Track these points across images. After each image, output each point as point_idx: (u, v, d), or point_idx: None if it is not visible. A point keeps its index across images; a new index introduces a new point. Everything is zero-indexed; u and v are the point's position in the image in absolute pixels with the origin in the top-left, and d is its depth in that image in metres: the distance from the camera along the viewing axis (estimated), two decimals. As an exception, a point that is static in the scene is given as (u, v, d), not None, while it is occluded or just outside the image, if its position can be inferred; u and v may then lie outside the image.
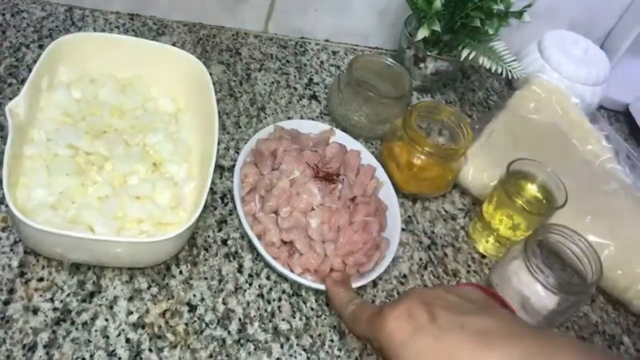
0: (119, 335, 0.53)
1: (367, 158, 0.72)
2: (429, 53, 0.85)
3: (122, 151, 0.61)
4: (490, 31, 0.80)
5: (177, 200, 0.60)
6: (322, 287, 0.59)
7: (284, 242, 0.60)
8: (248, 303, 0.59)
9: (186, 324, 0.55)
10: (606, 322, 0.70)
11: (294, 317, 0.59)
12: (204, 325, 0.56)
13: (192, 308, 0.56)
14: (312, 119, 0.79)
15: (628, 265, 0.70)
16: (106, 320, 0.53)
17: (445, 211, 0.75)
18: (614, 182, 0.78)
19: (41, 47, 0.74)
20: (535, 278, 0.60)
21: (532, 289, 0.61)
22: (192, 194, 0.61)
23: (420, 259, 0.69)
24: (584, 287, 0.61)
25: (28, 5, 0.79)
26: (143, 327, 0.54)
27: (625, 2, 0.99)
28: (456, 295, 0.46)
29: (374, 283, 0.64)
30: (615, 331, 0.69)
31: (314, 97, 0.83)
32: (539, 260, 0.60)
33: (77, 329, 0.52)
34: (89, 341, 0.52)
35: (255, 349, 0.56)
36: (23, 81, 0.66)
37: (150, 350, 0.53)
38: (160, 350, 0.53)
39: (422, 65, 0.87)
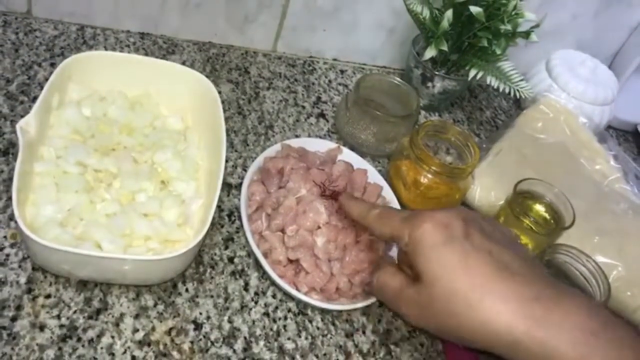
0: (124, 352, 0.53)
1: (374, 177, 0.72)
2: (436, 72, 0.85)
3: (131, 168, 0.62)
4: (498, 51, 0.81)
5: (184, 217, 0.60)
6: (328, 306, 0.59)
7: (290, 261, 0.60)
8: (254, 322, 0.58)
9: (192, 342, 0.55)
10: (615, 344, 0.69)
11: (300, 337, 0.59)
12: (209, 343, 0.56)
13: (198, 326, 0.56)
14: (320, 137, 0.80)
15: (637, 287, 0.69)
16: (112, 337, 0.53)
17: (453, 230, 0.75)
18: (623, 202, 0.77)
19: (53, 65, 0.75)
20: (543, 299, 0.60)
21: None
22: (199, 211, 0.61)
23: (427, 279, 0.68)
24: (592, 309, 0.61)
25: (41, 24, 0.80)
26: (149, 344, 0.54)
27: (633, 22, 0.99)
28: (491, 225, 0.48)
29: (380, 302, 0.64)
30: (624, 353, 0.68)
31: (321, 115, 0.84)
32: (547, 281, 0.60)
33: (83, 346, 0.52)
34: (95, 359, 0.52)
35: (260, 368, 0.56)
36: (34, 99, 0.67)
37: (155, 368, 0.53)
38: (166, 368, 0.53)
39: (429, 84, 0.87)
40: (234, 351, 0.56)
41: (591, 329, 0.40)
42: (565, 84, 0.90)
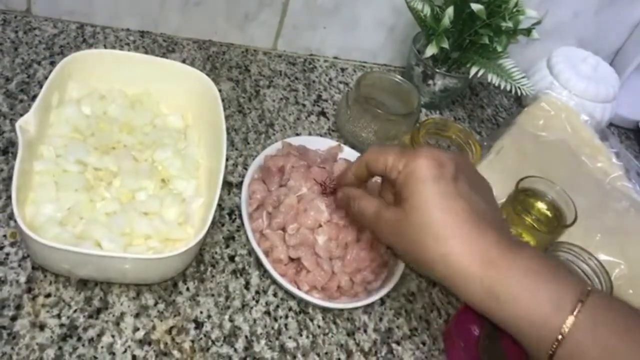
0: (125, 352, 0.53)
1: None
2: (437, 70, 0.85)
3: (131, 167, 0.61)
4: (499, 48, 0.81)
5: (184, 216, 0.60)
6: (329, 305, 0.59)
7: (291, 259, 0.60)
8: (255, 320, 0.58)
9: (192, 341, 0.55)
10: (617, 342, 0.69)
11: (301, 335, 0.59)
12: (210, 342, 0.55)
13: (199, 325, 0.56)
14: (321, 136, 0.79)
15: (639, 285, 0.69)
16: (112, 336, 0.53)
17: (454, 228, 0.74)
18: (625, 199, 0.77)
19: (52, 63, 0.75)
20: (545, 297, 0.60)
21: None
22: (199, 210, 0.61)
23: (429, 277, 0.68)
24: (594, 307, 0.61)
25: (40, 23, 0.80)
26: (149, 344, 0.54)
27: (634, 19, 0.99)
28: (477, 175, 0.53)
29: (382, 301, 0.64)
30: (626, 351, 0.68)
31: (322, 113, 0.83)
32: (549, 279, 0.60)
33: (83, 345, 0.52)
34: (95, 358, 0.51)
35: (261, 367, 0.55)
36: (34, 97, 0.67)
37: (156, 367, 0.53)
38: (166, 367, 0.53)
39: (430, 82, 0.87)
40: (235, 350, 0.56)
41: (539, 272, 0.44)
42: (566, 82, 0.89)
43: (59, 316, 0.53)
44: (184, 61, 0.82)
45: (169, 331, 0.55)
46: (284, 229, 0.61)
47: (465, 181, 0.49)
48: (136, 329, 0.54)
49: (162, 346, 0.54)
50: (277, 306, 0.60)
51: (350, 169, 0.57)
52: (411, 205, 0.47)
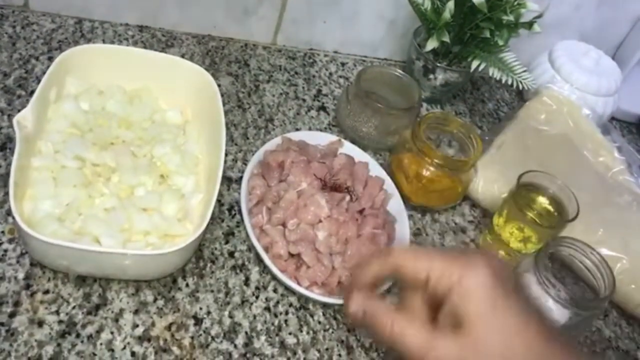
0: (124, 348, 0.52)
1: (376, 170, 0.71)
2: (438, 64, 0.84)
3: (130, 163, 0.61)
4: (500, 42, 0.80)
5: (183, 212, 0.60)
6: (329, 300, 0.58)
7: (291, 255, 0.60)
8: (255, 316, 0.58)
9: (192, 338, 0.55)
10: (620, 337, 0.69)
11: (301, 331, 0.58)
12: (209, 338, 0.55)
13: (198, 321, 0.56)
14: (321, 130, 0.79)
15: (642, 279, 0.69)
16: (111, 333, 0.53)
17: (455, 223, 0.74)
18: (627, 194, 0.76)
19: (50, 59, 0.74)
20: (547, 292, 0.59)
21: (543, 303, 0.60)
22: (199, 206, 0.61)
23: (430, 272, 0.68)
24: (596, 302, 0.60)
25: (38, 18, 0.79)
26: (149, 340, 0.53)
27: (636, 13, 0.98)
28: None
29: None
30: (629, 347, 0.68)
31: (322, 108, 0.83)
32: (550, 274, 0.59)
33: (82, 342, 0.52)
34: (94, 354, 0.51)
35: (261, 363, 0.55)
36: (32, 93, 0.66)
37: (155, 364, 0.52)
38: (166, 364, 0.53)
39: (431, 76, 0.86)
40: (235, 346, 0.55)
41: None
42: (568, 75, 0.89)
43: (57, 313, 0.53)
44: (183, 56, 0.81)
45: (169, 327, 0.55)
46: (283, 225, 0.61)
47: (520, 291, 0.43)
48: (135, 326, 0.54)
49: (161, 342, 0.54)
50: (277, 302, 0.60)
51: (367, 267, 0.46)
52: (477, 334, 0.39)
